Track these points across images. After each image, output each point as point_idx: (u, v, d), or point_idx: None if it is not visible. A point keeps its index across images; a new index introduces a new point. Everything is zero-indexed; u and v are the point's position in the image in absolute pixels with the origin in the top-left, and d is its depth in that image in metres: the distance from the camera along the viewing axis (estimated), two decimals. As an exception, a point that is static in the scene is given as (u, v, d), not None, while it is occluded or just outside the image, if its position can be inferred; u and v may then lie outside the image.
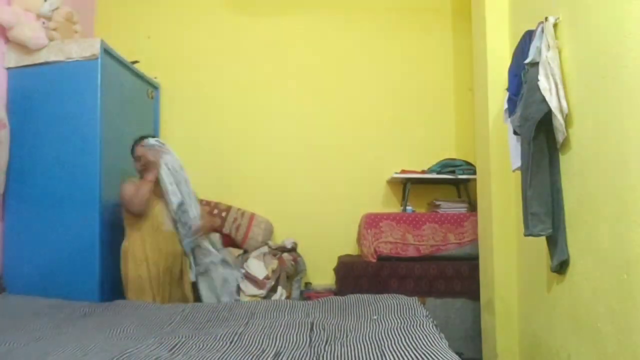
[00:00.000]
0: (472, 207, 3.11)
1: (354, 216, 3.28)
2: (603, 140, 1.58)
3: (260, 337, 1.64)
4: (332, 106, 3.52)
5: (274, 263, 2.93)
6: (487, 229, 2.50)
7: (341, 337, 1.63)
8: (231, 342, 1.59)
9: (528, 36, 1.98)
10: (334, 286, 3.05)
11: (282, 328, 1.74)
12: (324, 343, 1.57)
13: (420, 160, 3.35)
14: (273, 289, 2.91)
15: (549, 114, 1.78)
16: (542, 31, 1.85)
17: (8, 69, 2.62)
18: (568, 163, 1.82)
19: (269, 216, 3.29)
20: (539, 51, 1.84)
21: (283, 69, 3.55)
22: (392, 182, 3.42)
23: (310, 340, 1.61)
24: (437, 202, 3.20)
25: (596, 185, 1.62)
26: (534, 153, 1.84)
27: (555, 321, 1.93)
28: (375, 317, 1.82)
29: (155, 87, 3.35)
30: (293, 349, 1.52)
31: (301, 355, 1.45)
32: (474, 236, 2.88)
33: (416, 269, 2.85)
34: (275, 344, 1.57)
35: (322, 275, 3.26)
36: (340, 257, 3.15)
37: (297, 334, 1.67)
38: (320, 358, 1.43)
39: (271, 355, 1.45)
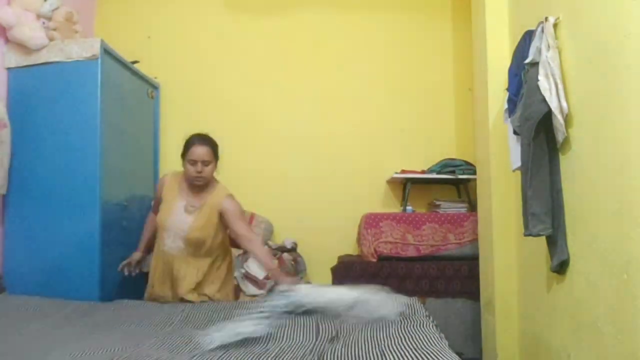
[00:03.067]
0: (472, 207, 3.11)
1: (354, 216, 3.28)
2: (603, 140, 1.58)
3: (263, 337, 1.63)
4: (332, 106, 3.52)
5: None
6: (487, 229, 2.50)
7: (342, 336, 1.63)
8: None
9: (528, 36, 1.98)
10: (333, 286, 3.06)
11: (285, 327, 1.74)
12: (327, 342, 1.57)
13: (420, 160, 3.35)
14: (273, 289, 2.91)
15: (549, 114, 1.78)
16: (542, 31, 1.85)
17: (8, 69, 2.62)
18: (568, 163, 1.82)
19: (269, 216, 3.29)
20: (539, 51, 1.84)
21: (283, 69, 3.55)
22: (392, 182, 3.42)
23: (316, 339, 1.61)
24: (437, 202, 3.20)
25: (596, 185, 1.62)
26: (534, 153, 1.84)
27: (555, 321, 1.93)
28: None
29: (155, 87, 3.35)
30: (297, 348, 1.52)
31: (304, 355, 1.45)
32: (474, 236, 2.88)
33: (416, 269, 2.85)
34: (279, 344, 1.57)
35: (322, 275, 3.25)
36: (340, 257, 3.15)
37: (301, 334, 1.67)
38: (322, 357, 1.43)
39: (273, 355, 1.45)
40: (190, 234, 2.20)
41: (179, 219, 2.22)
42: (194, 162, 2.19)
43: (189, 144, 2.23)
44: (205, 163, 2.20)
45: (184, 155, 2.24)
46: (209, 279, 2.29)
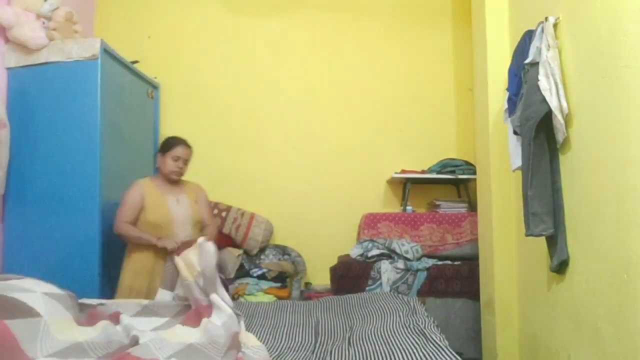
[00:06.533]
0: (472, 207, 3.11)
1: (354, 216, 3.29)
2: (603, 140, 1.58)
3: (264, 337, 1.63)
4: (332, 106, 3.52)
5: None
6: (487, 229, 2.50)
7: (343, 336, 1.63)
8: (232, 342, 1.58)
9: (528, 36, 1.98)
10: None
11: (285, 328, 1.74)
12: (328, 344, 1.57)
13: (420, 160, 3.35)
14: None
15: (549, 114, 1.78)
16: (542, 31, 1.86)
17: (8, 69, 2.61)
18: (568, 163, 1.82)
19: (269, 216, 3.29)
20: (539, 51, 1.84)
21: (283, 69, 3.55)
22: (392, 182, 3.42)
23: (316, 340, 1.61)
24: (437, 202, 3.21)
25: (596, 185, 1.62)
26: (535, 153, 1.84)
27: (555, 321, 1.93)
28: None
29: (155, 87, 3.35)
30: (297, 349, 1.52)
31: (305, 356, 1.45)
32: (472, 236, 2.88)
33: (416, 269, 2.84)
34: (279, 344, 1.57)
35: (322, 275, 3.25)
36: (340, 257, 3.15)
37: (301, 334, 1.67)
38: (323, 358, 1.43)
39: (274, 355, 1.45)
40: (195, 217, 2.52)
41: (178, 210, 2.48)
42: (177, 158, 2.47)
43: (174, 143, 2.51)
44: (185, 162, 2.52)
45: (166, 151, 2.49)
46: None
